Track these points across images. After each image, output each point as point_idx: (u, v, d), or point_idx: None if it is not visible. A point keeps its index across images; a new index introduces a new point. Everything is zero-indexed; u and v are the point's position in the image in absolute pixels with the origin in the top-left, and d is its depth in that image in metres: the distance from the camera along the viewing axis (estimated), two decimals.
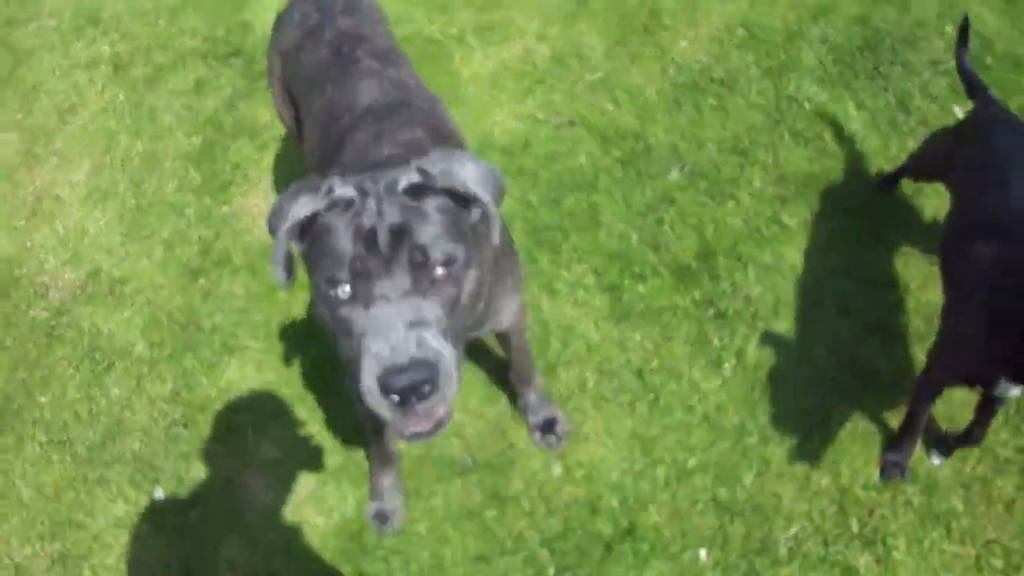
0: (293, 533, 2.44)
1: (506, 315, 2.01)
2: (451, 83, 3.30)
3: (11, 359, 2.94)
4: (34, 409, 2.81)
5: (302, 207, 1.47)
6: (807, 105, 3.12)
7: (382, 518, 2.43)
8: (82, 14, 3.90)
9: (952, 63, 2.72)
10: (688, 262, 2.80)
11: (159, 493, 2.59)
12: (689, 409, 2.52)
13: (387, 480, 2.43)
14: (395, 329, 1.36)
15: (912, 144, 2.91)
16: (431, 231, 1.42)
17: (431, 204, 1.45)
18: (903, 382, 2.46)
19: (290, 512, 2.48)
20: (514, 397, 2.54)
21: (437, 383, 1.35)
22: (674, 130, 3.12)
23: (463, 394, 2.56)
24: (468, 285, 1.47)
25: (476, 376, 2.61)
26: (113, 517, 2.56)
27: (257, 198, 3.14)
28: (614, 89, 3.25)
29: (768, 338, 2.61)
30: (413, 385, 1.33)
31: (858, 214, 2.85)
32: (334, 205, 1.45)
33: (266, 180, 3.19)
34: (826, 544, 2.28)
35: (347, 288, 1.40)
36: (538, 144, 3.10)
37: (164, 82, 3.57)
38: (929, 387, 2.25)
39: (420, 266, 1.40)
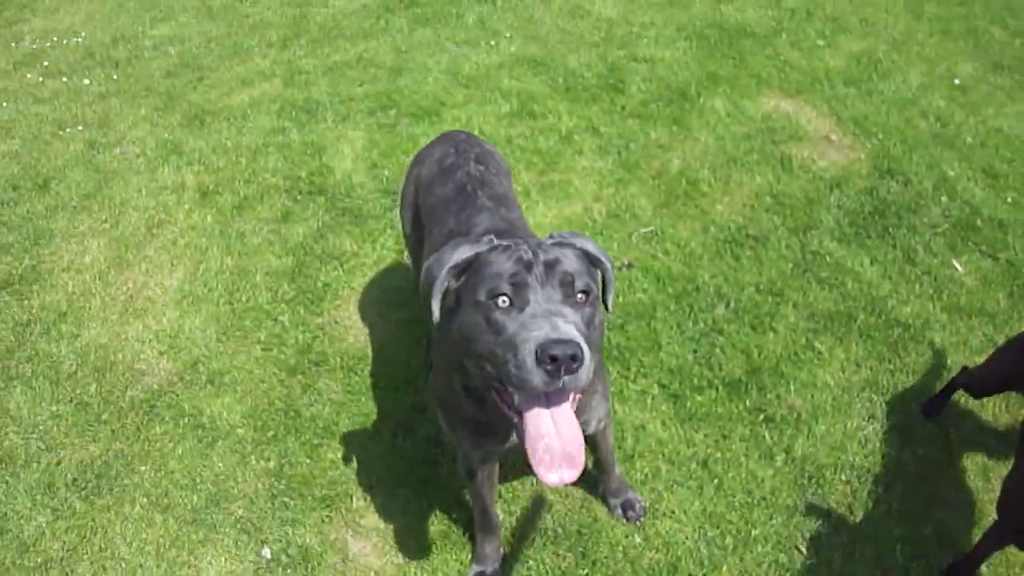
0: None
1: (596, 416, 2.49)
2: None
3: (109, 432, 3.37)
4: (134, 476, 3.21)
5: (464, 252, 1.94)
6: (828, 258, 3.97)
7: None
8: (165, 145, 4.65)
9: (946, 226, 3.64)
10: (739, 377, 3.49)
11: (266, 552, 3.02)
12: (749, 492, 3.12)
13: (489, 546, 2.87)
14: (556, 321, 1.74)
15: (919, 289, 3.77)
16: (575, 265, 1.90)
17: (571, 252, 1.95)
18: (920, 467, 3.15)
19: (396, 573, 2.95)
20: (596, 484, 3.11)
21: (583, 363, 1.70)
22: (718, 275, 3.91)
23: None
24: (597, 317, 1.91)
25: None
26: (219, 573, 2.95)
27: (349, 311, 3.76)
28: (664, 241, 4.06)
29: (811, 437, 3.29)
30: (568, 354, 1.66)
31: (879, 341, 3.64)
32: (494, 249, 1.92)
33: (356, 297, 3.82)
34: None
35: (506, 299, 1.81)
36: None
37: (251, 210, 4.27)
38: (1002, 535, 2.61)
39: (568, 287, 1.84)
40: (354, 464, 3.20)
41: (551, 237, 2.02)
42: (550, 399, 1.86)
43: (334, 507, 3.09)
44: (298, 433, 3.32)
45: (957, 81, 5.39)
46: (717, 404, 3.38)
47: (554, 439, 1.85)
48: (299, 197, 4.31)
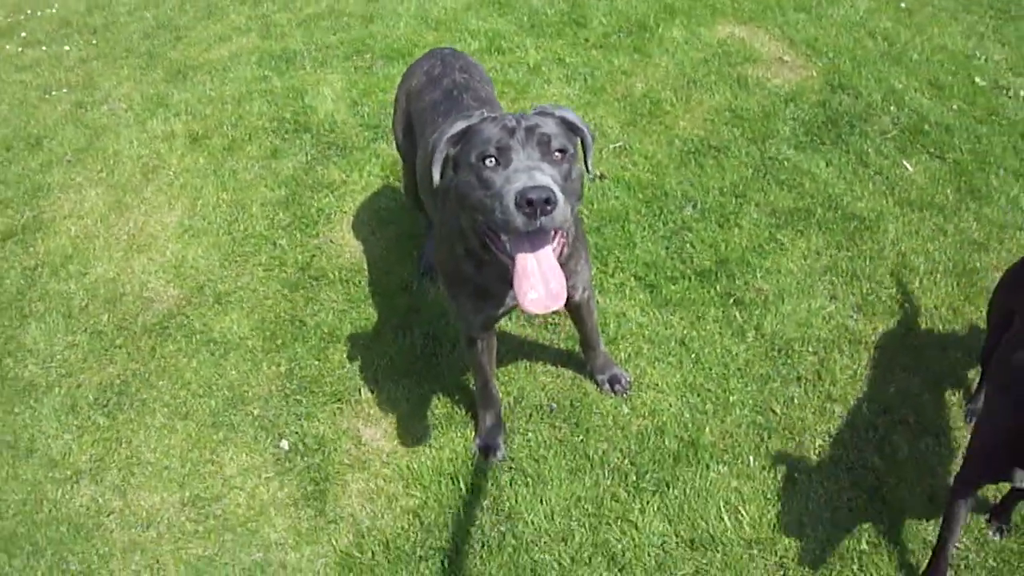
0: (412, 466, 3.19)
1: (581, 280, 2.80)
2: None
3: (124, 355, 3.63)
4: (152, 391, 3.46)
5: (460, 124, 2.28)
6: (786, 163, 4.28)
7: (488, 451, 3.14)
8: (151, 99, 4.88)
9: (895, 132, 3.97)
10: (708, 267, 3.77)
11: (284, 444, 3.28)
12: (724, 365, 3.42)
13: (491, 420, 3.16)
14: (533, 172, 2.06)
15: (873, 187, 4.09)
16: (554, 129, 2.21)
17: (551, 120, 2.26)
18: (880, 338, 3.48)
19: (406, 453, 3.24)
20: (584, 366, 3.37)
21: (557, 206, 2.01)
22: (684, 181, 4.20)
23: (544, 357, 3.46)
24: (574, 172, 2.22)
25: (554, 347, 3.51)
26: (241, 466, 3.19)
27: (343, 231, 4.02)
28: (632, 154, 4.35)
29: (779, 316, 3.61)
30: (542, 198, 1.98)
31: (837, 232, 3.96)
32: (484, 120, 2.25)
33: (348, 219, 4.08)
34: (845, 448, 3.19)
35: (493, 159, 2.14)
36: None
37: (241, 150, 4.52)
38: (966, 484, 2.66)
39: (545, 146, 2.15)
40: (359, 362, 3.48)
41: (535, 109, 2.33)
42: (534, 243, 2.16)
43: (344, 400, 3.37)
44: (304, 339, 3.58)
45: (903, 4, 5.72)
46: (690, 291, 3.68)
47: (537, 276, 2.16)
48: (286, 136, 4.57)
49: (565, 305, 2.74)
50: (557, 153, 2.19)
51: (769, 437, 3.19)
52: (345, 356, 3.51)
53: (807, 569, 2.81)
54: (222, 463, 3.24)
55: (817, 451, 3.16)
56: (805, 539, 2.88)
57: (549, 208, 2.01)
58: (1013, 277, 3.01)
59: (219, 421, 3.37)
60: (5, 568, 2.99)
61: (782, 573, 2.82)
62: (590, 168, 2.47)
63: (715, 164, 4.29)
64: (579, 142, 2.40)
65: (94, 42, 5.96)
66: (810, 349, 3.48)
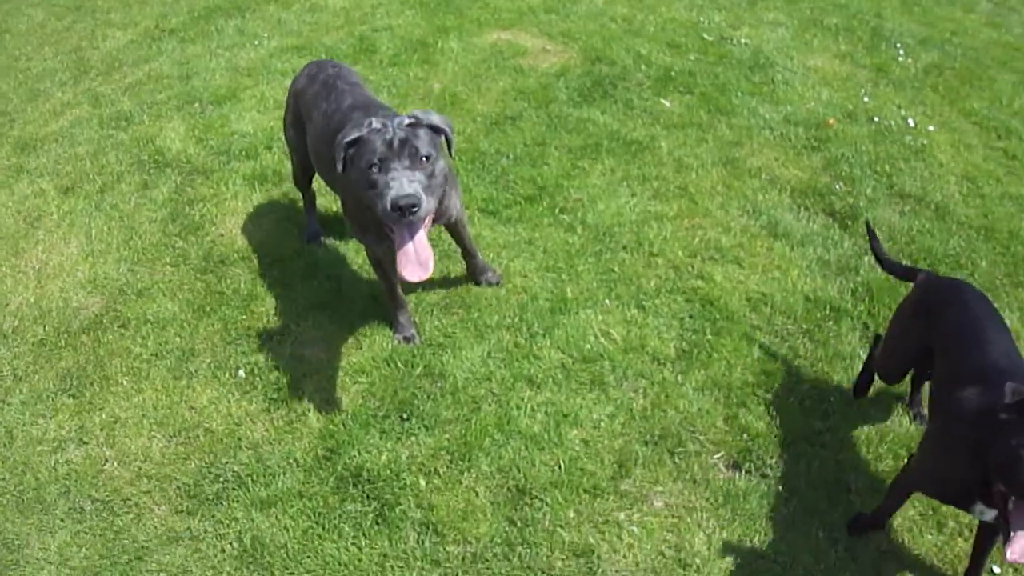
0: (353, 362, 4.12)
1: (453, 206, 3.70)
2: None
3: (71, 351, 4.25)
4: (109, 368, 4.08)
5: (354, 134, 3.11)
6: (570, 117, 5.65)
7: (408, 339, 4.10)
8: (10, 169, 5.53)
9: (649, 82, 5.46)
10: (532, 193, 5.00)
11: (241, 373, 4.06)
12: (567, 251, 4.57)
13: (403, 317, 4.11)
14: (401, 183, 2.98)
15: (642, 121, 5.54)
16: (421, 140, 3.06)
17: (420, 130, 3.11)
18: (675, 211, 4.85)
19: (345, 356, 4.13)
20: (466, 275, 4.36)
21: (421, 206, 2.96)
22: (495, 143, 5.39)
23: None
24: (438, 169, 3.14)
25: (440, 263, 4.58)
26: (210, 398, 3.90)
27: (231, 227, 4.85)
28: None
29: (596, 213, 4.89)
30: (409, 204, 2.92)
31: (621, 156, 5.34)
32: (372, 131, 3.07)
33: (231, 219, 4.92)
34: (672, 282, 4.48)
35: (377, 167, 3.01)
36: None
37: (113, 189, 5.27)
38: (905, 491, 3.09)
39: (415, 156, 3.02)
40: (281, 306, 4.36)
41: (409, 116, 3.17)
42: (410, 228, 3.10)
43: (280, 335, 4.25)
44: (228, 303, 4.41)
45: None
46: (524, 211, 4.86)
47: (411, 254, 3.12)
48: (150, 172, 5.38)
49: (445, 224, 3.89)
50: (423, 159, 3.06)
51: (615, 286, 4.40)
52: (268, 307, 4.36)
53: (673, 363, 4.01)
54: (192, 401, 3.96)
55: (653, 288, 4.40)
56: (662, 341, 4.10)
57: (414, 210, 2.96)
58: (926, 309, 3.23)
59: (179, 373, 4.09)
60: (23, 529, 3.52)
61: (655, 364, 3.99)
62: (453, 153, 3.44)
63: (514, 128, 5.56)
64: (443, 139, 3.30)
65: None
66: (626, 229, 4.75)
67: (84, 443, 3.84)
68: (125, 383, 4.09)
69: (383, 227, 3.26)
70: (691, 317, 4.28)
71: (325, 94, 3.96)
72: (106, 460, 3.75)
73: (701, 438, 3.75)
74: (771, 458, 3.65)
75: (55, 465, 3.74)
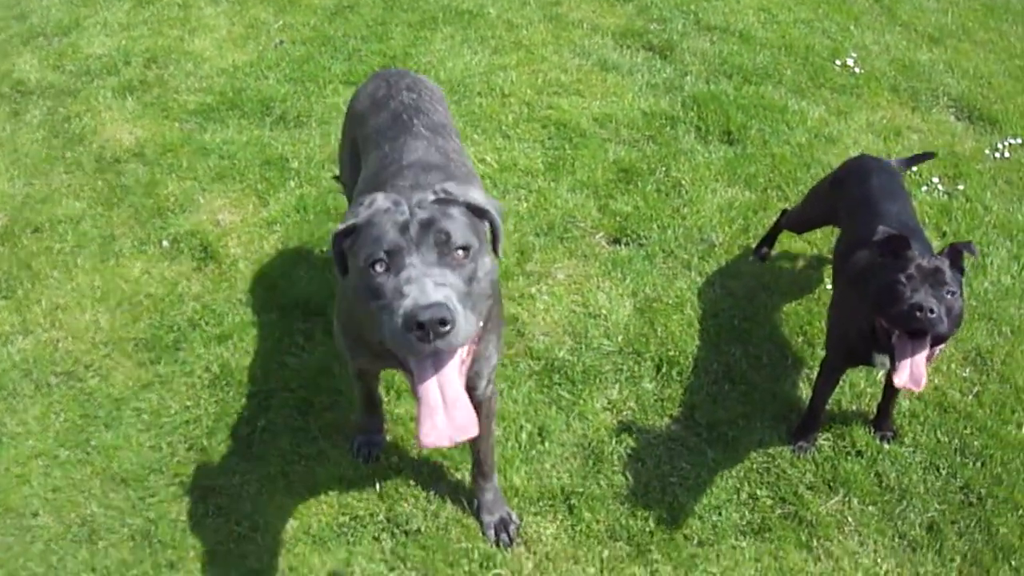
0: (264, 218, 4.69)
1: (487, 368, 2.59)
2: None
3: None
4: (34, 267, 4.36)
5: (348, 220, 2.13)
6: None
7: (369, 447, 3.42)
8: None
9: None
10: (384, 63, 5.70)
11: (165, 243, 4.48)
12: None
13: (372, 420, 3.37)
14: (425, 284, 1.86)
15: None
16: (454, 223, 2.00)
17: (453, 209, 2.06)
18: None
19: (255, 215, 4.71)
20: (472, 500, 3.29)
21: (455, 324, 1.82)
22: (339, 28, 6.04)
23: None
24: (481, 269, 2.02)
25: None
26: (141, 269, 4.29)
27: (109, 132, 5.28)
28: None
29: (445, 71, 5.60)
30: (436, 319, 1.78)
31: (458, 25, 6.04)
32: (376, 213, 2.04)
33: (109, 129, 5.29)
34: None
35: (383, 264, 1.95)
36: None
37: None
38: (832, 371, 3.30)
39: (444, 245, 1.94)
40: (186, 187, 4.86)
41: (435, 192, 2.12)
42: (436, 362, 1.98)
43: (193, 208, 4.74)
44: (133, 192, 4.85)
45: None
46: None
47: (440, 410, 1.98)
48: (17, 101, 5.67)
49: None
50: (459, 252, 1.99)
51: (480, 123, 5.23)
52: (171, 189, 4.79)
53: (544, 174, 4.79)
54: (125, 276, 4.33)
55: (512, 121, 5.18)
56: (530, 159, 4.87)
57: (445, 329, 1.83)
58: (837, 177, 3.70)
59: (105, 256, 4.45)
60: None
61: (529, 177, 4.76)
62: (500, 253, 2.28)
63: (354, 14, 6.29)
64: (487, 226, 2.23)
65: None
66: (477, 80, 5.60)
67: (30, 332, 4.09)
68: (56, 275, 4.40)
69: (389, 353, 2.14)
70: (550, 139, 5.08)
71: (392, 133, 2.96)
72: (57, 341, 4.07)
73: (582, 225, 4.55)
74: (643, 232, 4.50)
75: (7, 356, 3.92)
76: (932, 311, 2.58)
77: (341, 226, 2.15)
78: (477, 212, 2.18)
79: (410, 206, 2.04)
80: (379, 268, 1.96)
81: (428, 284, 1.86)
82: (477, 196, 2.18)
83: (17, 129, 5.39)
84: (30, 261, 4.49)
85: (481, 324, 2.10)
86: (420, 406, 1.97)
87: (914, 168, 4.05)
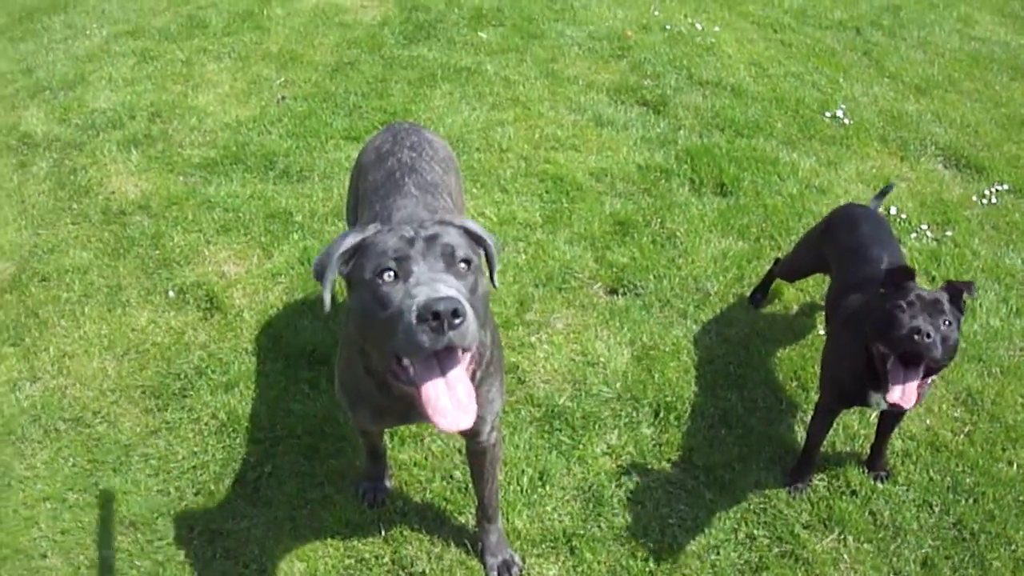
0: (268, 269, 4.85)
1: (492, 411, 2.64)
2: None
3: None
4: (42, 315, 4.51)
5: (350, 240, 2.17)
6: (404, 56, 6.51)
7: (375, 493, 3.50)
8: None
9: (467, 19, 6.42)
10: (384, 119, 5.90)
11: (171, 293, 4.61)
12: None
13: (375, 469, 3.44)
14: (435, 284, 1.95)
15: (465, 51, 6.49)
16: (457, 239, 2.14)
17: (453, 229, 2.19)
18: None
19: (260, 266, 4.87)
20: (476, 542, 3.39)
21: (466, 318, 1.86)
22: (341, 83, 6.23)
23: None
24: (480, 286, 2.14)
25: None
26: (148, 319, 4.43)
27: (115, 185, 5.44)
28: (294, 85, 6.36)
29: (444, 127, 5.81)
30: (449, 309, 1.82)
31: (466, 80, 6.26)
32: (379, 232, 2.16)
33: (115, 181, 5.46)
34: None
35: (391, 272, 2.00)
36: None
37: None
38: (826, 412, 3.38)
39: (449, 257, 2.06)
40: (191, 239, 5.02)
41: (434, 221, 2.22)
42: (443, 365, 2.01)
43: (198, 259, 4.90)
44: (139, 243, 4.99)
45: None
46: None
47: (446, 400, 2.01)
48: (24, 153, 5.84)
49: (467, 448, 2.91)
50: (462, 264, 2.09)
51: (479, 177, 5.32)
52: (177, 240, 4.94)
53: (542, 226, 4.95)
54: (132, 324, 4.46)
55: (509, 175, 5.34)
56: (528, 212, 5.04)
57: (458, 321, 1.86)
58: (827, 226, 3.82)
59: (112, 305, 4.57)
60: (1, 459, 3.83)
61: (528, 229, 4.92)
62: (495, 283, 2.43)
63: (355, 71, 6.40)
64: (483, 254, 2.34)
65: None
66: (475, 135, 5.70)
67: (38, 379, 4.20)
68: (63, 323, 4.52)
69: (389, 396, 2.37)
70: (547, 192, 5.25)
71: (384, 190, 3.02)
72: (65, 387, 4.17)
73: (580, 276, 4.70)
74: (640, 282, 4.64)
75: (15, 402, 4.03)
76: (929, 336, 2.69)
77: (344, 245, 2.20)
78: (474, 239, 2.31)
79: (413, 227, 2.15)
80: (387, 277, 2.02)
81: (439, 284, 1.95)
82: (472, 225, 2.33)
83: (24, 180, 5.55)
84: (38, 309, 4.61)
85: (486, 353, 2.33)
86: (427, 391, 2.01)
87: (881, 202, 4.12)
